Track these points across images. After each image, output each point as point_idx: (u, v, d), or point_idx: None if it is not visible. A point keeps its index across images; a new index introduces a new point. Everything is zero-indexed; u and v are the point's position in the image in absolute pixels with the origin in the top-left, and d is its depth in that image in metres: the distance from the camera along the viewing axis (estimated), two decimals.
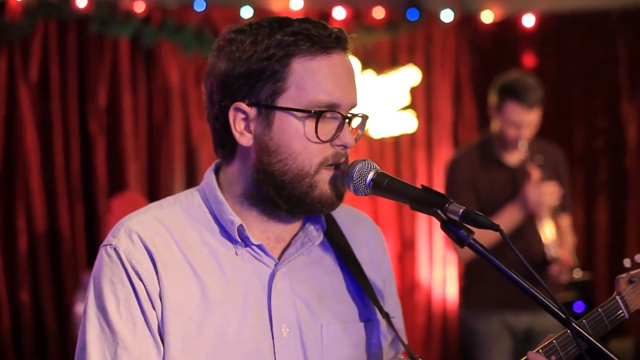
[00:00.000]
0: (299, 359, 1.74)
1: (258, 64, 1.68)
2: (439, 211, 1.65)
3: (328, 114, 1.72)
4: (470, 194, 4.29)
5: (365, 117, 1.80)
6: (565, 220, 4.44)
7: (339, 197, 1.77)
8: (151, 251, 1.68)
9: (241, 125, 1.73)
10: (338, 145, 1.74)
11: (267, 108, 1.70)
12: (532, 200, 4.14)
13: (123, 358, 1.62)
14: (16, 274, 5.38)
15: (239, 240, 1.74)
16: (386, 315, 1.87)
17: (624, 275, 1.91)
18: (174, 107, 5.97)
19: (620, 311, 1.90)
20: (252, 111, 1.71)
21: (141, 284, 1.65)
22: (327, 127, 1.72)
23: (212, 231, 1.75)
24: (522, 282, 1.65)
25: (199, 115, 5.93)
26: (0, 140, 5.37)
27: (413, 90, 6.59)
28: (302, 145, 1.71)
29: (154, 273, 1.66)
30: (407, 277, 6.93)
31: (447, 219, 1.66)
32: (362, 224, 2.01)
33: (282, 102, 1.70)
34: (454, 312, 6.97)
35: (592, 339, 1.63)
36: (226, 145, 1.77)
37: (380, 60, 6.55)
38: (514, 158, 4.38)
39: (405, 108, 6.56)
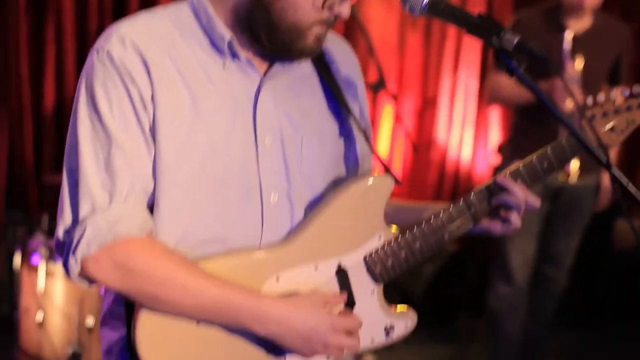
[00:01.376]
0: (280, 169, 1.78)
1: None
2: (495, 38, 1.65)
3: None
4: None
5: None
6: None
7: (319, 48, 1.79)
8: (144, 56, 1.67)
9: None
10: (335, 14, 1.74)
11: None
12: (557, 95, 4.09)
13: (117, 156, 1.63)
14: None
15: (228, 54, 1.76)
16: (363, 131, 1.93)
17: (587, 110, 2.00)
18: None
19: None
20: None
21: (134, 87, 1.65)
22: None
23: (200, 44, 1.75)
24: (567, 120, 1.67)
25: None
26: None
27: None
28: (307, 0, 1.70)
29: (147, 77, 1.66)
30: (425, 134, 6.96)
31: (500, 47, 1.66)
32: (342, 48, 2.03)
33: None
34: (466, 173, 7.04)
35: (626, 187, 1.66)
36: None
37: None
38: (577, 25, 4.32)
39: None
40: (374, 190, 1.83)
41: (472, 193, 1.92)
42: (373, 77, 5.86)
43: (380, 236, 1.85)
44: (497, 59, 1.68)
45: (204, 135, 1.69)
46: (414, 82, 6.85)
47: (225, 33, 1.74)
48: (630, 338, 5.96)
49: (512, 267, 4.56)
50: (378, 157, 1.96)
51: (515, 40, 1.64)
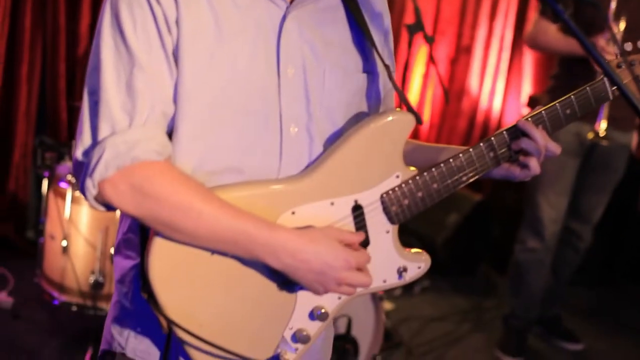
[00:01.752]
0: (301, 100, 1.74)
1: None
2: None
3: None
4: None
5: None
6: None
7: None
8: None
9: None
10: None
11: None
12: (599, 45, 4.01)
13: (139, 77, 1.60)
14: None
15: None
16: (387, 67, 1.88)
17: (614, 59, 1.96)
18: None
19: (604, 92, 1.94)
20: None
21: (159, 7, 1.61)
22: None
23: None
24: (608, 67, 1.62)
25: None
26: None
27: None
28: None
29: None
30: (457, 82, 6.90)
31: None
32: None
33: None
34: (495, 124, 6.99)
35: None
36: None
37: None
38: None
39: None
40: (394, 127, 1.78)
41: (493, 136, 1.86)
42: (410, 18, 5.79)
43: (398, 175, 1.80)
44: (542, 2, 1.62)
45: (226, 60, 1.66)
46: (449, 29, 6.77)
47: None
48: None
49: (543, 221, 4.56)
50: (401, 95, 1.89)
51: None
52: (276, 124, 1.72)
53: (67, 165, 4.48)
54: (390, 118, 1.77)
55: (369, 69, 1.87)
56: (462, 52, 6.88)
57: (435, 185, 1.81)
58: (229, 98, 1.66)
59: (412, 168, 1.83)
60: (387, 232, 1.82)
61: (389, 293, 5.14)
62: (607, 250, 5.97)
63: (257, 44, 1.69)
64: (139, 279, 1.69)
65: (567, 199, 4.57)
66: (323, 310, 1.75)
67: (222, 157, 1.68)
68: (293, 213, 1.70)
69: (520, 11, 6.91)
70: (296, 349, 1.76)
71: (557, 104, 1.89)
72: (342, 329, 3.82)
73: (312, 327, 1.77)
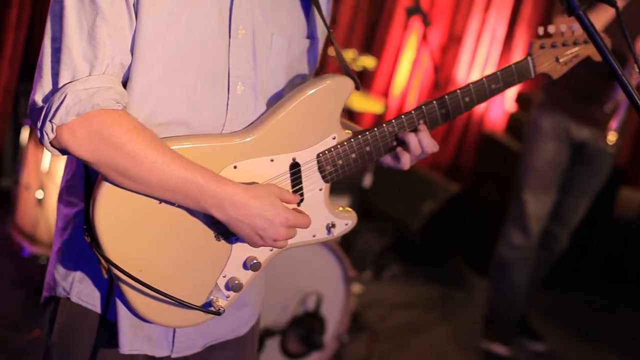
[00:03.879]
0: (248, 60, 1.81)
1: None
2: None
3: None
4: None
5: None
6: None
7: None
8: None
9: None
10: None
11: None
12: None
13: (101, 27, 1.63)
14: None
15: None
16: (330, 32, 1.96)
17: (537, 40, 2.05)
18: None
19: (527, 72, 2.03)
20: None
21: None
22: None
23: None
24: (617, 67, 1.63)
25: None
26: None
27: None
28: None
29: None
30: (445, 70, 6.89)
31: None
32: None
33: None
34: (479, 116, 7.00)
35: None
36: None
37: None
38: None
39: None
40: (333, 91, 1.88)
41: (422, 105, 1.95)
42: (408, 0, 5.77)
43: (334, 137, 1.90)
44: None
45: (183, 17, 1.71)
46: (442, 17, 6.74)
47: None
48: (612, 305, 6.04)
49: (530, 217, 4.56)
50: (341, 59, 1.97)
51: None
52: (224, 82, 1.79)
53: None
54: (329, 82, 1.87)
55: (311, 34, 1.96)
56: (453, 41, 6.86)
57: (367, 148, 1.92)
58: (183, 54, 1.72)
59: (348, 131, 1.93)
60: (320, 189, 1.93)
61: (359, 276, 5.14)
62: (577, 253, 6.00)
63: (212, 3, 1.75)
64: (82, 224, 1.75)
65: (553, 197, 4.58)
66: (256, 261, 1.86)
67: (172, 111, 1.74)
68: (235, 167, 1.79)
69: (515, 6, 6.91)
70: (228, 297, 1.86)
71: (483, 79, 1.98)
72: (311, 306, 3.83)
73: (245, 276, 1.88)
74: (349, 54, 4.96)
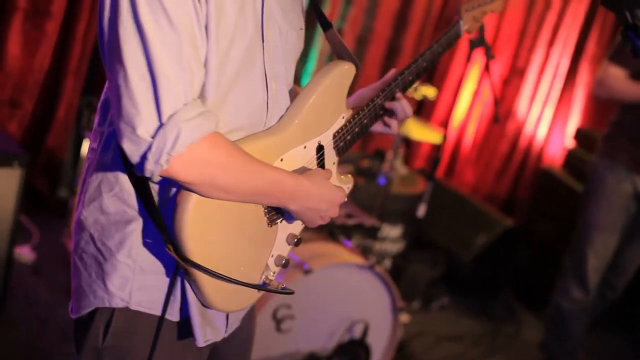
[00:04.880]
0: (277, 58, 1.93)
1: None
2: (628, 12, 1.59)
3: None
4: None
5: None
6: None
7: None
8: None
9: None
10: None
11: None
12: None
13: (185, 51, 1.63)
14: None
15: None
16: (330, 25, 2.14)
17: (464, 3, 2.31)
18: None
19: (460, 32, 2.30)
20: None
21: None
22: None
23: None
24: None
25: None
26: None
27: None
28: None
29: None
30: (506, 103, 6.84)
31: (632, 23, 1.60)
32: None
33: None
34: (537, 151, 6.93)
35: None
36: None
37: None
38: None
39: None
40: (342, 75, 2.07)
41: (398, 75, 2.18)
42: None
43: (343, 116, 2.10)
44: (623, 36, 1.59)
45: (238, 30, 1.76)
46: (506, 49, 6.71)
47: None
48: None
49: (589, 272, 4.44)
50: (341, 43, 2.13)
51: None
52: (264, 83, 1.88)
53: None
54: (338, 69, 2.06)
55: (303, 25, 2.08)
56: (515, 74, 6.82)
57: (365, 121, 2.14)
58: (241, 65, 1.79)
59: (349, 109, 2.14)
60: (334, 163, 2.13)
61: (407, 306, 5.10)
62: (631, 295, 5.88)
63: (251, 10, 1.80)
64: (147, 238, 1.81)
65: (614, 249, 4.44)
66: (297, 237, 2.05)
67: (234, 119, 1.81)
68: (282, 160, 1.93)
69: (579, 42, 6.84)
70: (274, 272, 2.03)
71: (434, 44, 2.25)
72: (358, 334, 3.81)
73: (286, 252, 2.06)
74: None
